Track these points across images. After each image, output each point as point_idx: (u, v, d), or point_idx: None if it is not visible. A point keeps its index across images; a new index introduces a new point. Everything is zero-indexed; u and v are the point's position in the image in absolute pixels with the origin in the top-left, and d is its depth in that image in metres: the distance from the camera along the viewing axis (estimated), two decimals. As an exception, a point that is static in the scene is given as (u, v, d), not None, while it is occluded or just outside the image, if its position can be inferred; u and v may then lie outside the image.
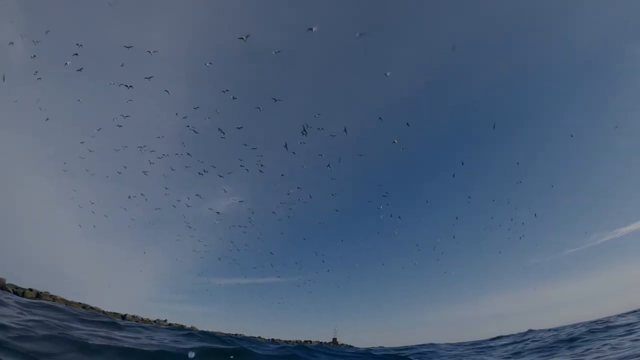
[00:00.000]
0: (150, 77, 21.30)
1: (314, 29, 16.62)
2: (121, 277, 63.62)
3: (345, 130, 20.46)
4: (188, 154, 26.38)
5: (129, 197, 31.03)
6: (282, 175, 30.01)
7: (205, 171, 26.95)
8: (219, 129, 23.14)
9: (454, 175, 68.60)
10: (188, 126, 23.78)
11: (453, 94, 76.79)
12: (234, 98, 21.94)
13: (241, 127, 24.69)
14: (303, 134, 19.03)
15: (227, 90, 21.74)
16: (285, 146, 21.52)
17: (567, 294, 77.09)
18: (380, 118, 35.20)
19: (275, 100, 20.61)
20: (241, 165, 25.85)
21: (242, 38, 17.37)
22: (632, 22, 57.44)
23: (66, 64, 20.43)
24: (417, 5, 64.50)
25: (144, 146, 25.83)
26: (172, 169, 28.35)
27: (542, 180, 79.36)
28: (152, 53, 21.14)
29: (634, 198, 76.81)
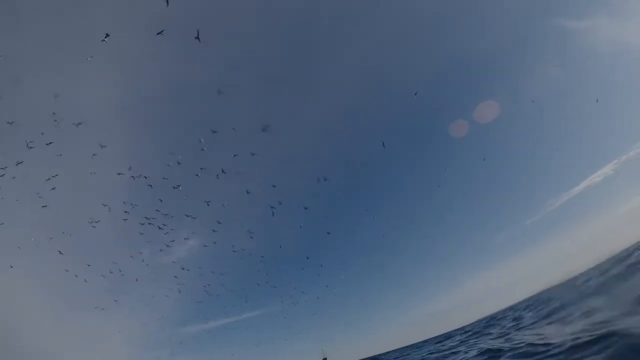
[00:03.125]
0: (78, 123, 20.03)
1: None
2: (93, 348, 56.69)
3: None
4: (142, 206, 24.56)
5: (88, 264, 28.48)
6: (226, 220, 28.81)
7: (163, 225, 25.26)
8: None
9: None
10: (133, 177, 22.38)
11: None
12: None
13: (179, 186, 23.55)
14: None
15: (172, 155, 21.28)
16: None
17: (533, 262, 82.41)
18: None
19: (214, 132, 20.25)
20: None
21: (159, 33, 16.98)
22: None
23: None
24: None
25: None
26: (124, 220, 26.20)
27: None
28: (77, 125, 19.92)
29: (580, 157, 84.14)
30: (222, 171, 21.15)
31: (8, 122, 18.79)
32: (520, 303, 27.33)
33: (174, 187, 22.93)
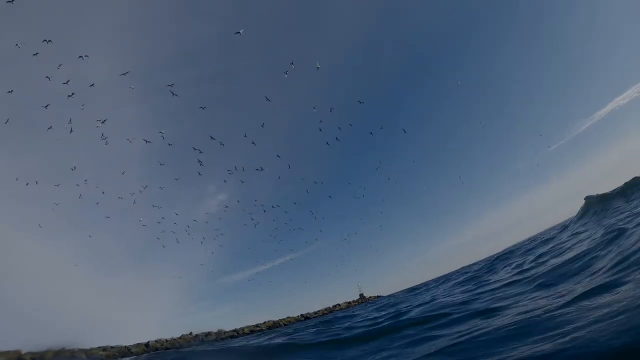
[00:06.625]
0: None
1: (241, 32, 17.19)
2: (137, 307, 62.40)
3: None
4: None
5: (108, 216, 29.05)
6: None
7: (199, 173, 25.89)
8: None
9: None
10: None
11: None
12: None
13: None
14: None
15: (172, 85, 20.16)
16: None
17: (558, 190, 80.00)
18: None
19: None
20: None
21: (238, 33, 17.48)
22: None
23: None
24: None
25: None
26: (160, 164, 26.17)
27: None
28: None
29: (605, 78, 77.57)
30: (267, 98, 22.25)
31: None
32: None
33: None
